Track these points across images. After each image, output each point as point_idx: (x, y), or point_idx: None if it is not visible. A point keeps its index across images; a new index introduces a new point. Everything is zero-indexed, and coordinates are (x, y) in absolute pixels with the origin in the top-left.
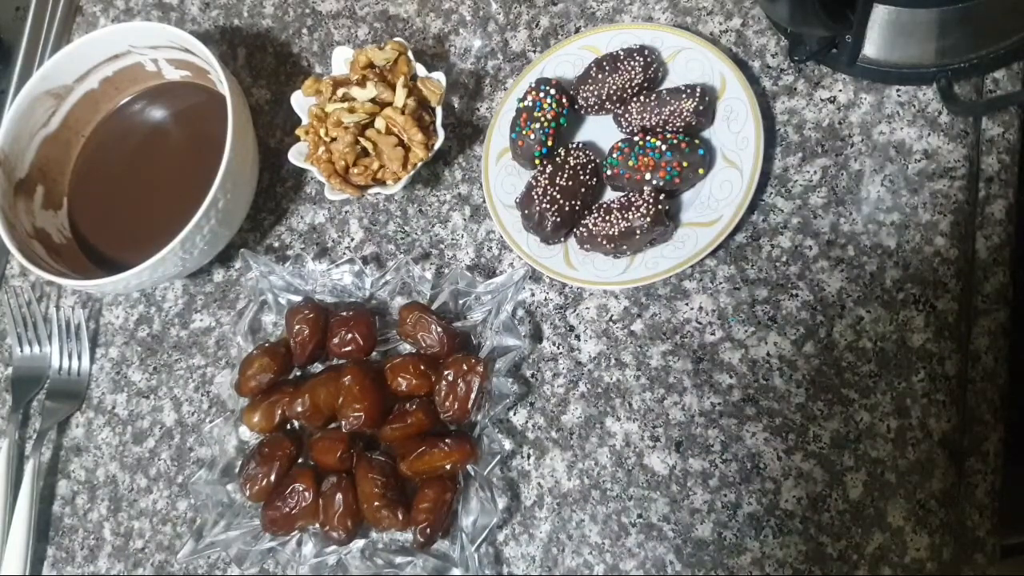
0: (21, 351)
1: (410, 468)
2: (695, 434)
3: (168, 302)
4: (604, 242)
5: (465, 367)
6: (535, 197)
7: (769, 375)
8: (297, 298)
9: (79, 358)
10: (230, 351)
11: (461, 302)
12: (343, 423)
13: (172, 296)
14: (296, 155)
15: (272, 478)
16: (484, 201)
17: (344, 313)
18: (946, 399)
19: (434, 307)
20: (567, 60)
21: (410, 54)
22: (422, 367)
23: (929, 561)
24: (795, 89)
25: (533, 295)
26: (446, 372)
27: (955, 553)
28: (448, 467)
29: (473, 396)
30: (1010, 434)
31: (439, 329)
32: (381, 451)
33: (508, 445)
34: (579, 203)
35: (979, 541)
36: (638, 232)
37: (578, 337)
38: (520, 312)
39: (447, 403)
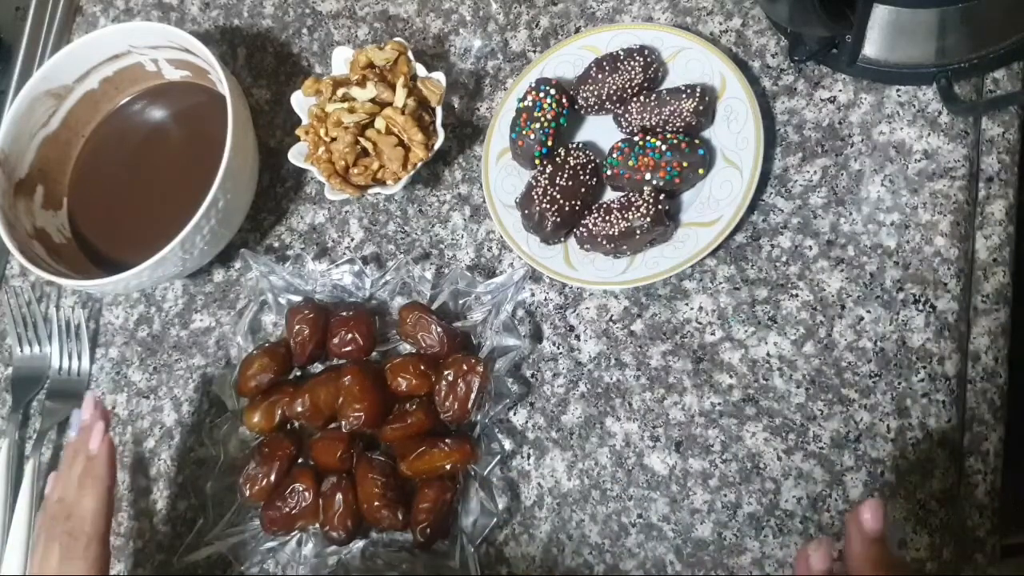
0: (21, 351)
1: (410, 468)
2: (695, 434)
3: (168, 302)
4: (604, 242)
5: (465, 367)
6: (535, 197)
7: (769, 375)
8: (297, 298)
9: (79, 358)
10: (230, 351)
11: (461, 302)
12: (343, 423)
13: (172, 296)
14: (296, 155)
15: (272, 478)
16: (484, 201)
17: (344, 313)
18: (946, 399)
19: (434, 307)
20: (567, 60)
21: (410, 54)
22: (422, 367)
23: (929, 561)
24: (795, 89)
25: (533, 295)
26: (446, 372)
27: (955, 553)
28: (448, 467)
29: (473, 396)
30: (1010, 434)
31: (439, 329)
32: (381, 451)
33: (508, 445)
34: (579, 203)
35: (979, 541)
36: (638, 232)
37: (578, 337)
38: (520, 312)
39: (447, 403)
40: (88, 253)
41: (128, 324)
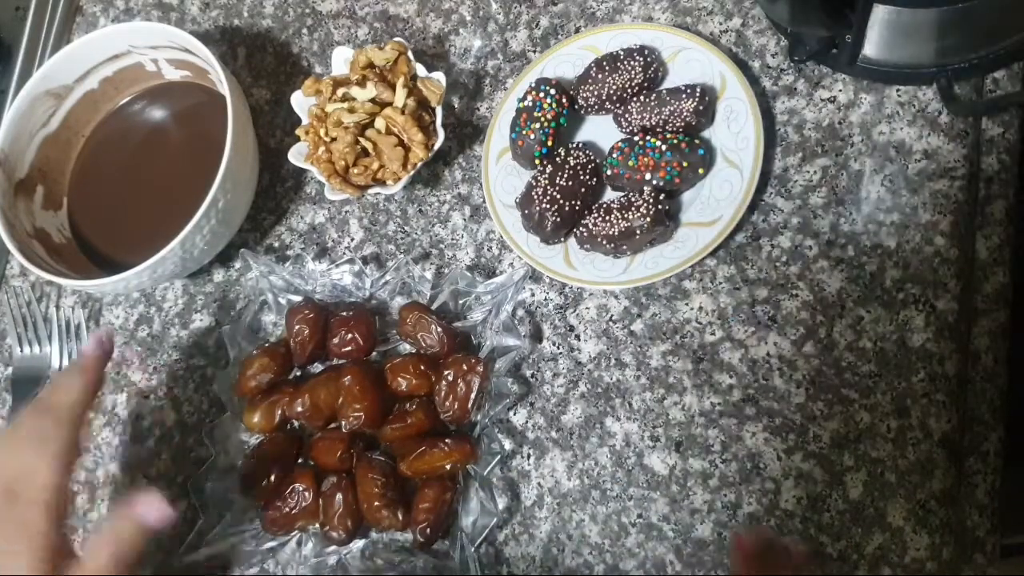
0: (21, 351)
1: (410, 468)
2: (695, 434)
3: (168, 302)
4: (604, 242)
5: (465, 367)
6: (535, 197)
7: (769, 375)
8: (297, 298)
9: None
10: (230, 351)
11: (461, 302)
12: (343, 423)
13: (172, 296)
14: (296, 155)
15: (272, 478)
16: (484, 201)
17: (344, 313)
18: (946, 399)
19: (434, 307)
20: (567, 60)
21: (410, 54)
22: (422, 367)
23: (929, 561)
24: (795, 89)
25: (533, 295)
26: (446, 372)
27: (955, 553)
28: (448, 467)
29: (473, 396)
30: (1010, 434)
31: (439, 329)
32: (381, 451)
33: (508, 445)
34: (579, 203)
35: (979, 541)
36: (638, 232)
37: (578, 337)
38: (520, 312)
39: (447, 403)
40: (88, 253)
41: (128, 324)
